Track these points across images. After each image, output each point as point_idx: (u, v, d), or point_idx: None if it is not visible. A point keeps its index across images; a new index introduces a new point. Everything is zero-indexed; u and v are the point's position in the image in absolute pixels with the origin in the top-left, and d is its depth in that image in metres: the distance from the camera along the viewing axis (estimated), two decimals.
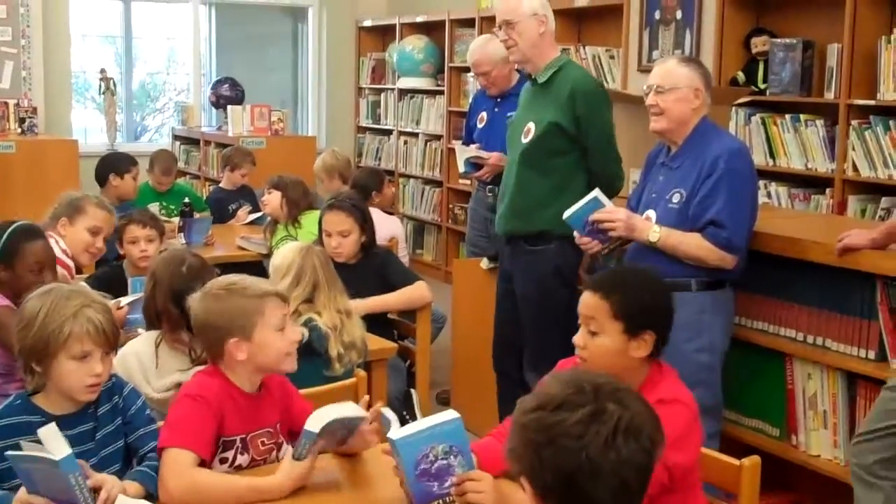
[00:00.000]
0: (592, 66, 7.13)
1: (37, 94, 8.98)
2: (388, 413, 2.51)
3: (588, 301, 2.61)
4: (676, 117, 3.52)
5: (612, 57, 7.10)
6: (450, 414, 2.36)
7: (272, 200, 5.61)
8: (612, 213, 3.54)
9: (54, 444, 2.18)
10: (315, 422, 2.44)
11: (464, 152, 5.40)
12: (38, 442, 2.22)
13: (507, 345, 4.47)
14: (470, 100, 8.33)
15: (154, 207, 6.18)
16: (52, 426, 2.24)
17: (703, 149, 3.49)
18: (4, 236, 3.46)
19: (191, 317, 2.67)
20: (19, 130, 7.64)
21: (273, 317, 2.65)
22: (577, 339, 2.61)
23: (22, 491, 2.25)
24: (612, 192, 4.10)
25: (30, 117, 7.67)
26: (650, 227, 3.47)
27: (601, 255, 3.77)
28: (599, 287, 2.60)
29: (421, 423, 2.35)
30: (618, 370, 2.45)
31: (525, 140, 4.18)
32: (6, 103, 8.15)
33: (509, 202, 4.27)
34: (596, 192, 3.62)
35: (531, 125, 4.17)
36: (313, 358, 3.43)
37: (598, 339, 2.56)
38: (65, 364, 2.44)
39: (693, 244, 3.42)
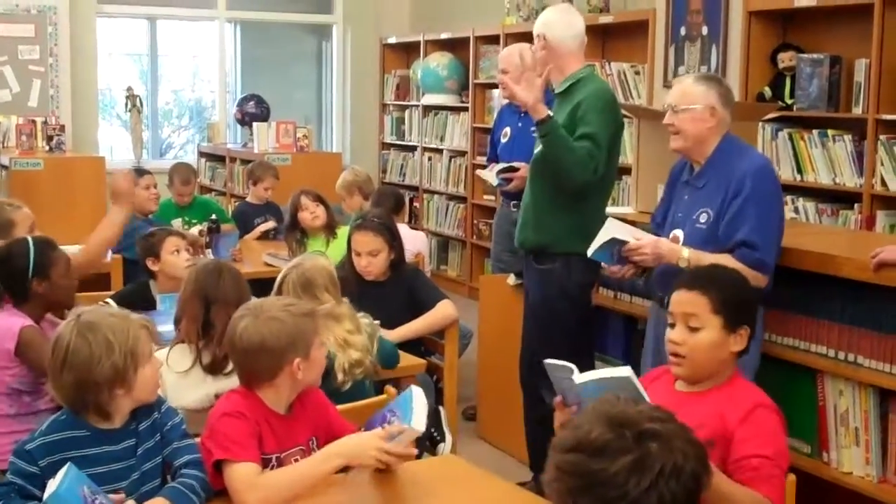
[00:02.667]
0: (617, 81, 7.13)
1: (64, 112, 9.06)
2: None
3: (685, 298, 2.70)
4: (693, 136, 3.50)
5: (637, 73, 7.10)
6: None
7: (322, 214, 5.73)
8: (640, 246, 3.50)
9: (55, 479, 2.22)
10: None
11: (492, 170, 5.42)
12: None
13: (531, 358, 4.47)
14: (495, 115, 8.41)
15: (177, 223, 6.21)
16: (63, 470, 2.25)
17: (728, 167, 3.46)
18: (32, 251, 3.49)
19: (237, 339, 2.64)
20: (47, 148, 7.70)
21: (320, 334, 2.74)
22: (675, 336, 2.68)
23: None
24: (579, 176, 4.02)
25: (57, 135, 7.73)
26: (679, 252, 3.43)
27: (635, 277, 3.75)
28: (696, 283, 2.70)
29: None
30: (715, 366, 2.67)
31: (536, 150, 4.22)
32: (34, 121, 8.23)
33: (523, 213, 4.32)
34: (609, 225, 3.59)
35: None
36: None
37: (700, 334, 2.65)
38: (144, 371, 2.50)
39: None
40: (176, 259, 4.46)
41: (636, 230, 3.61)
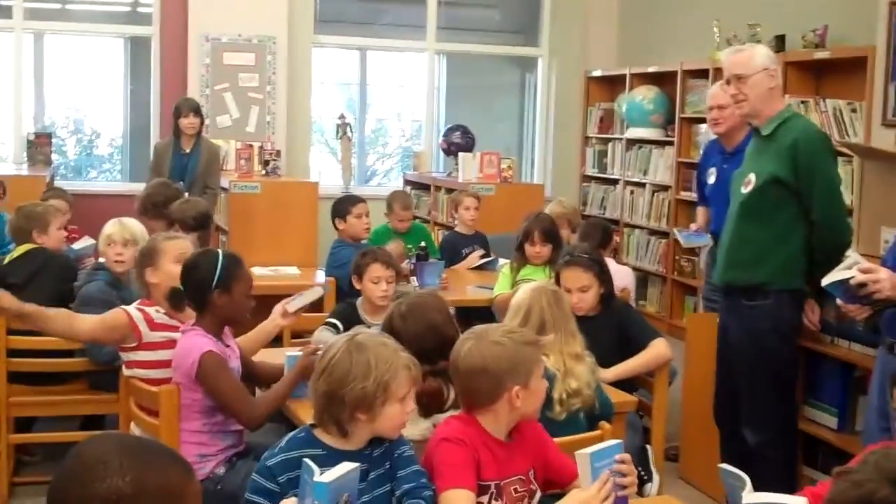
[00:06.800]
0: (833, 119, 6.92)
1: (279, 138, 9.44)
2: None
3: None
4: None
5: (853, 110, 6.87)
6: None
7: (545, 253, 5.48)
8: (874, 273, 3.36)
9: (333, 471, 2.29)
10: (587, 449, 2.53)
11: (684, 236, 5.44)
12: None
13: (726, 399, 4.44)
14: (700, 151, 8.29)
15: (394, 245, 6.29)
16: (356, 465, 2.34)
17: None
18: (220, 263, 3.57)
19: (460, 361, 2.69)
20: (263, 172, 7.98)
21: (542, 366, 2.73)
22: None
23: (293, 499, 2.34)
24: (840, 247, 3.93)
25: (273, 160, 7.99)
26: None
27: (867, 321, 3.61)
28: None
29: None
30: None
31: (745, 191, 4.16)
32: (251, 146, 8.57)
33: (727, 253, 4.25)
34: (852, 256, 3.47)
35: (752, 176, 4.15)
36: None
37: None
38: (392, 408, 2.55)
39: None
40: (373, 288, 4.51)
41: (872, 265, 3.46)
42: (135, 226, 4.84)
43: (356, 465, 2.36)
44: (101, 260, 4.82)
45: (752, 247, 4.14)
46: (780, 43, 7.54)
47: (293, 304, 4.09)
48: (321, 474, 2.27)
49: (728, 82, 4.22)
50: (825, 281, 3.50)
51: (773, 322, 4.13)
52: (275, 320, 4.06)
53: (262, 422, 3.54)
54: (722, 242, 4.37)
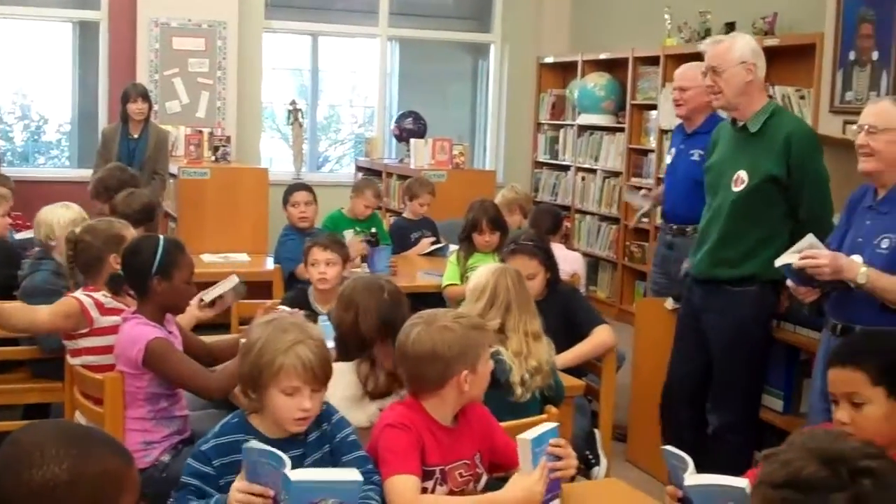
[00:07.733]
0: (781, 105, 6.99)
1: (229, 124, 9.37)
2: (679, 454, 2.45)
3: (840, 377, 2.55)
4: (887, 159, 3.39)
5: (802, 97, 6.94)
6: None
7: (494, 241, 5.57)
8: (817, 256, 3.38)
9: (309, 471, 2.31)
10: (528, 433, 2.53)
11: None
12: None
13: (680, 384, 4.47)
14: (651, 136, 8.38)
15: (349, 233, 6.25)
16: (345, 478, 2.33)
17: None
18: (160, 249, 3.52)
19: (409, 346, 2.67)
20: (213, 158, 7.92)
21: (489, 349, 2.73)
22: (841, 416, 2.52)
23: (241, 477, 2.34)
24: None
25: (223, 145, 7.93)
26: (858, 268, 3.33)
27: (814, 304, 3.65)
28: (848, 359, 2.56)
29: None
30: (891, 437, 2.45)
31: (736, 189, 4.12)
32: (201, 132, 8.52)
33: (712, 249, 4.22)
34: (806, 239, 3.48)
35: (742, 174, 4.11)
36: (497, 388, 3.42)
37: (866, 410, 2.50)
38: (275, 396, 2.53)
39: None
40: (312, 270, 4.51)
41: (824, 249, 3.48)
42: (82, 212, 4.80)
43: (344, 476, 2.32)
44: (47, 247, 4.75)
45: (741, 244, 4.14)
46: (730, 30, 7.58)
47: (208, 294, 4.05)
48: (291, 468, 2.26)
49: (706, 74, 4.21)
50: (778, 262, 3.53)
51: (754, 308, 4.16)
52: (191, 312, 4.02)
53: (226, 391, 3.44)
54: (702, 235, 4.33)
